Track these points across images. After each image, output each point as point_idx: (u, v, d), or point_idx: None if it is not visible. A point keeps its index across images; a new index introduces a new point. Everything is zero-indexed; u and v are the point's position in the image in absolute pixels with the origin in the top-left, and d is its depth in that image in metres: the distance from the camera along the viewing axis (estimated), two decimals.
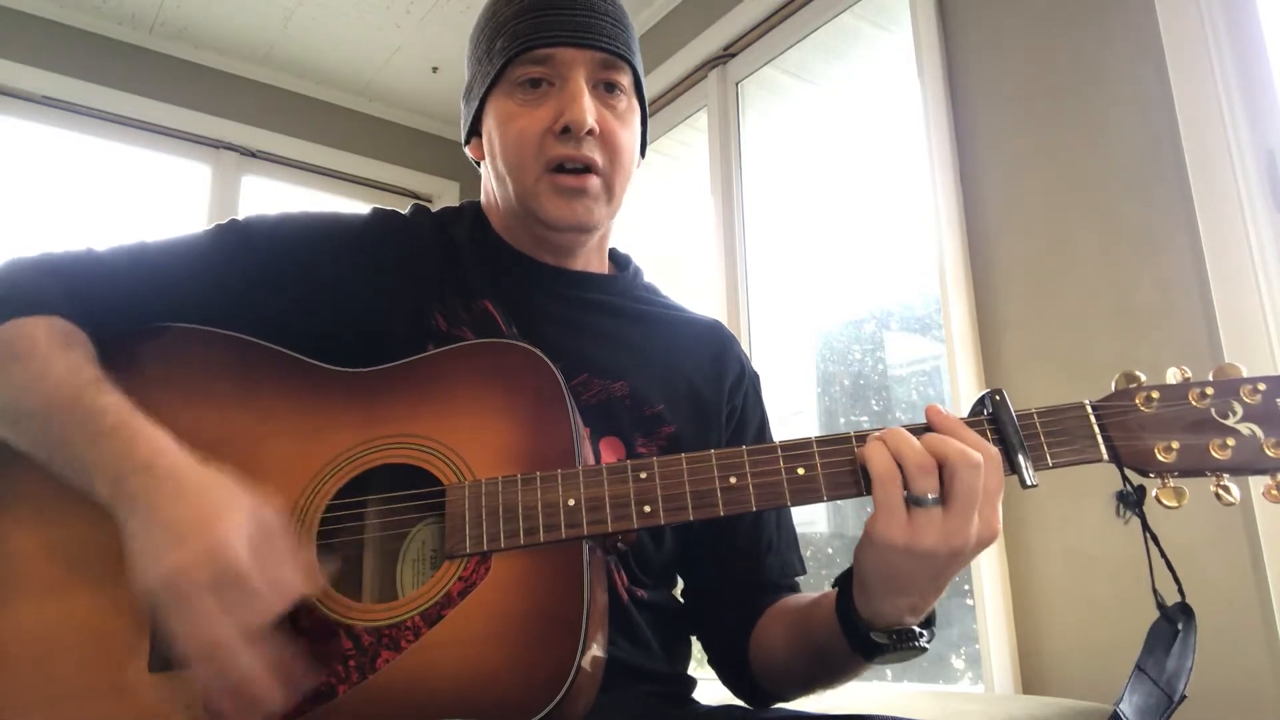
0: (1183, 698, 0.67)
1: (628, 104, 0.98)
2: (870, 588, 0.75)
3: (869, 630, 0.77)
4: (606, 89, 0.96)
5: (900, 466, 0.71)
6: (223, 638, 0.66)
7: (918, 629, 0.76)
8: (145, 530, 0.70)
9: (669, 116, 3.05)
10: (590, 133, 0.92)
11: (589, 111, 0.92)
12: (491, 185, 1.03)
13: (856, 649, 0.78)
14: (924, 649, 0.77)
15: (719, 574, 1.01)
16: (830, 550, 2.46)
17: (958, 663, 2.09)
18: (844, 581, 0.80)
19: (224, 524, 0.69)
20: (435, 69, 3.51)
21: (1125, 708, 0.67)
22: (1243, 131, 1.57)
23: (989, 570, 1.76)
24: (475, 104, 1.01)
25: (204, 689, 0.68)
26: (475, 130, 1.03)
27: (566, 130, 0.92)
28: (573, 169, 0.94)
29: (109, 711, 0.73)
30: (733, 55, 2.82)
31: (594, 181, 0.94)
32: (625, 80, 0.97)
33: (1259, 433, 0.71)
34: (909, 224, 2.27)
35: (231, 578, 0.67)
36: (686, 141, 3.12)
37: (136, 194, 3.29)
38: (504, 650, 0.71)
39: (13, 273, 0.87)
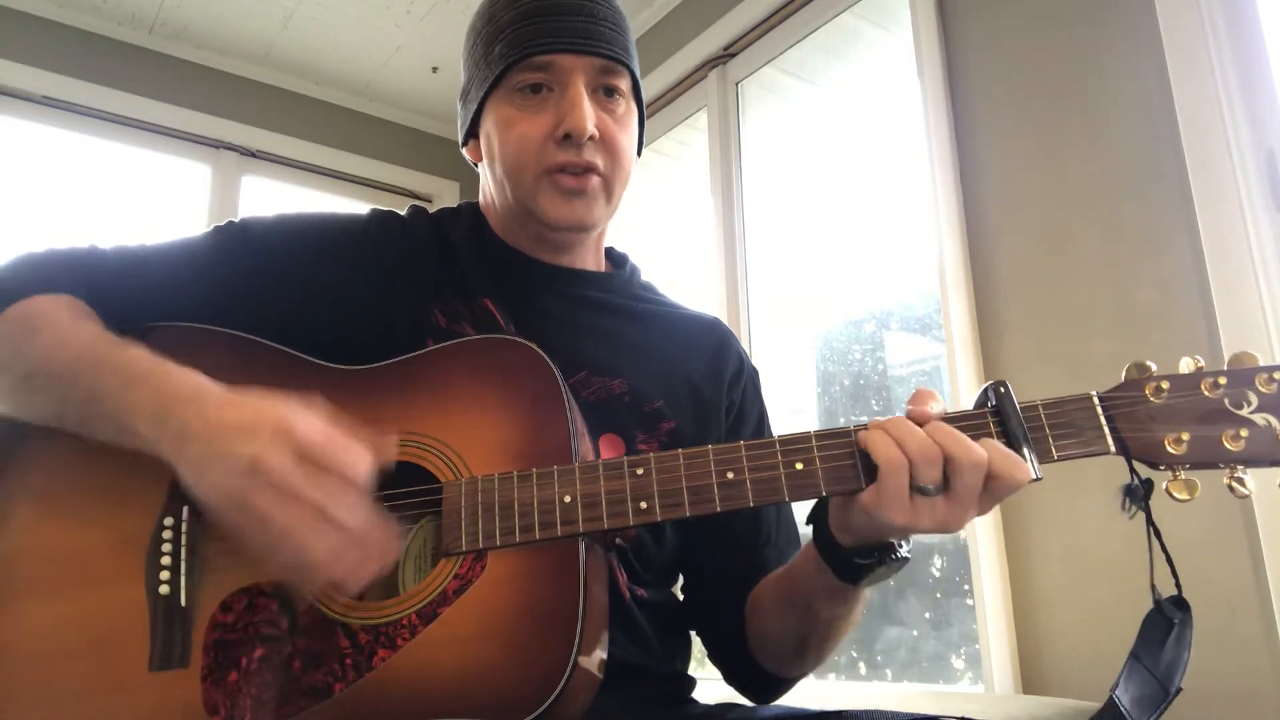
0: (1179, 690, 0.67)
1: (626, 107, 0.99)
2: (857, 536, 0.76)
3: (851, 555, 0.77)
4: (605, 93, 0.96)
5: (905, 455, 0.71)
6: (318, 503, 0.68)
7: (896, 542, 0.77)
8: (207, 443, 0.71)
9: (669, 116, 3.05)
10: (591, 139, 0.93)
11: (590, 118, 0.92)
12: (490, 186, 1.03)
13: (840, 576, 0.78)
14: (906, 559, 0.77)
15: (718, 568, 1.01)
16: None
17: (958, 663, 2.09)
18: (817, 519, 0.80)
19: (287, 412, 0.71)
20: (435, 69, 3.51)
21: (1121, 695, 0.67)
22: (1243, 131, 1.57)
23: (989, 570, 1.76)
24: (474, 107, 1.01)
25: (307, 561, 0.68)
26: (473, 132, 1.03)
27: (567, 137, 0.92)
28: (573, 172, 0.94)
29: (109, 710, 0.73)
30: (733, 55, 2.82)
31: (594, 181, 0.95)
32: (624, 84, 0.98)
33: (1275, 423, 0.69)
34: (909, 224, 2.27)
35: (312, 448, 0.69)
36: (686, 141, 3.12)
37: (136, 194, 3.29)
38: (500, 648, 0.71)
39: (24, 262, 0.89)
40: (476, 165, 1.06)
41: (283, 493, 0.67)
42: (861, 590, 0.81)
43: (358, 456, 0.71)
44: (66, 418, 0.80)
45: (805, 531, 0.86)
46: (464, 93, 1.05)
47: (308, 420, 0.71)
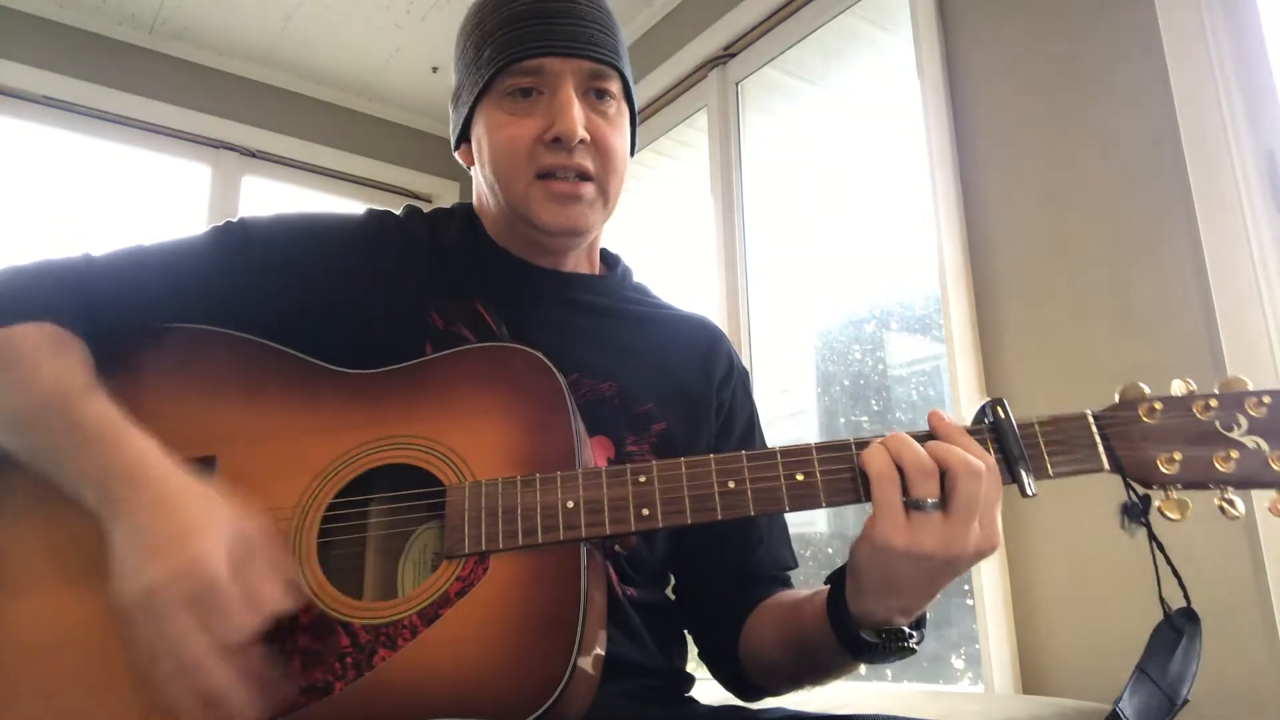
0: (1185, 701, 0.67)
1: (618, 109, 0.99)
2: (864, 587, 0.75)
3: (858, 628, 0.77)
4: (596, 96, 0.96)
5: (900, 469, 0.71)
6: (196, 654, 0.67)
7: (908, 630, 0.77)
8: (125, 542, 0.71)
9: (669, 116, 3.05)
10: (581, 142, 0.93)
11: (580, 122, 0.92)
12: (482, 189, 1.03)
13: (845, 646, 0.78)
14: (913, 650, 0.77)
15: (710, 568, 1.02)
16: (830, 550, 2.46)
17: (958, 663, 2.09)
18: (836, 579, 0.80)
19: (202, 537, 0.70)
20: (435, 69, 3.51)
21: (1125, 707, 0.67)
22: (1243, 131, 1.57)
23: (989, 570, 1.76)
24: (465, 111, 1.01)
25: (178, 704, 0.68)
26: (465, 136, 1.03)
27: (557, 140, 0.92)
28: (564, 176, 0.94)
29: (105, 706, 0.73)
30: (733, 55, 2.82)
31: (588, 189, 0.95)
32: (614, 87, 0.98)
33: (1264, 446, 0.70)
34: (909, 224, 2.27)
35: (207, 593, 0.68)
36: (686, 141, 3.11)
37: (136, 194, 3.29)
38: (500, 650, 0.71)
39: (12, 277, 0.87)
40: (470, 169, 1.06)
41: (161, 635, 0.67)
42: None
43: (254, 609, 0.69)
44: (28, 461, 0.80)
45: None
46: (455, 96, 1.05)
47: (221, 552, 0.69)
